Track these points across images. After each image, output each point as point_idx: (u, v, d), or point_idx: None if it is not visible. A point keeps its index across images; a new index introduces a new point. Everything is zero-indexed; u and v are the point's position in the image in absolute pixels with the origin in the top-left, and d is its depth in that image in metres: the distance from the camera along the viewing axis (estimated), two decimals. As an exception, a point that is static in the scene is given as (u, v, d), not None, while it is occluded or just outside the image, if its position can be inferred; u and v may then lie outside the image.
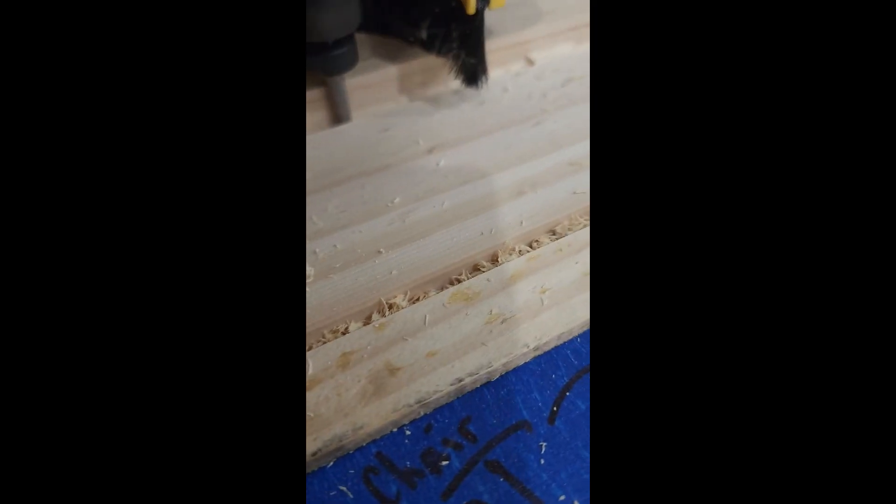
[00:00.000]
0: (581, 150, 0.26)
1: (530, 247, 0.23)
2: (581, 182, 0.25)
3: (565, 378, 0.19)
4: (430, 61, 0.29)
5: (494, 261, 0.22)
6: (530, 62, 0.32)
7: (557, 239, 0.23)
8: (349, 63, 0.25)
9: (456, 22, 0.26)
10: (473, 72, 0.27)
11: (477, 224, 0.23)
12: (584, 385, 0.19)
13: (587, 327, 0.20)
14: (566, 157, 0.26)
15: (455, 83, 0.29)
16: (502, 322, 0.19)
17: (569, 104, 0.29)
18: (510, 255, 0.22)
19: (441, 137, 0.27)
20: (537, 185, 0.24)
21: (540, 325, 0.19)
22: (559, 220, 0.23)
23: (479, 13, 0.25)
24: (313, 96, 0.27)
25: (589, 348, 0.20)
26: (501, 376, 0.19)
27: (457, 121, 0.28)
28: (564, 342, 0.20)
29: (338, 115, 0.28)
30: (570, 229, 0.23)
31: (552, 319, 0.20)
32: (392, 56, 0.29)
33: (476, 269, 0.22)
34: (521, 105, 0.29)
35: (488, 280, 0.21)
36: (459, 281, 0.21)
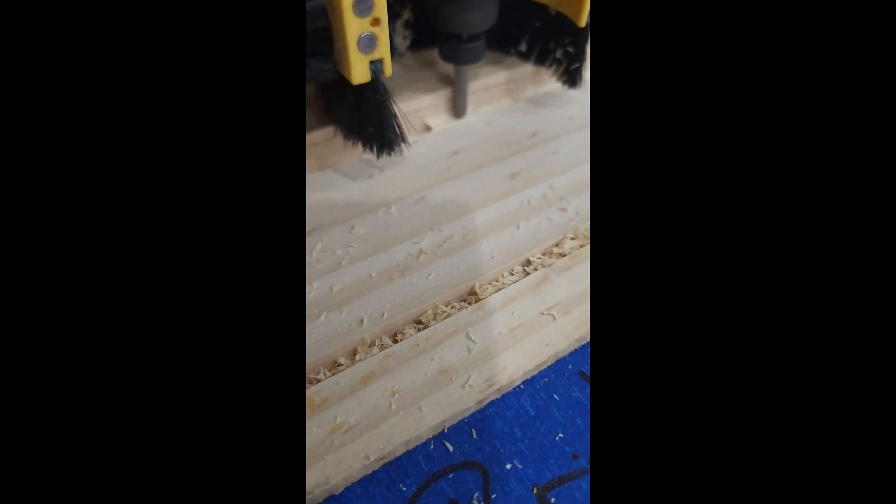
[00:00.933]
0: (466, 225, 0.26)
1: (394, 340, 0.22)
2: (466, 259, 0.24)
3: (413, 487, 0.19)
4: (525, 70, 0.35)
5: (352, 356, 0.22)
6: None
7: (422, 329, 0.22)
8: (478, 57, 0.30)
9: (562, 35, 0.31)
10: (576, 75, 0.33)
11: (346, 312, 0.22)
12: (434, 495, 0.19)
13: (439, 430, 0.20)
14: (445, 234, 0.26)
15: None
16: (345, 431, 0.19)
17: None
18: (370, 349, 0.22)
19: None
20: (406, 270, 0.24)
21: (386, 433, 0.19)
22: (425, 308, 0.23)
23: (587, 29, 0.30)
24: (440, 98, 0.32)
25: (442, 452, 0.19)
26: (345, 490, 0.19)
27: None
28: (414, 448, 0.20)
29: (458, 110, 0.33)
30: (434, 319, 0.23)
31: (399, 425, 0.19)
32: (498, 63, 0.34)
33: (335, 366, 0.21)
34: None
35: (338, 383, 0.20)
36: (316, 381, 0.21)
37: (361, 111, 0.26)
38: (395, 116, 0.27)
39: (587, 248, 0.25)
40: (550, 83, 0.36)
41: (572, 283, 0.24)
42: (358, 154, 0.30)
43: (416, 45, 0.34)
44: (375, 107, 0.26)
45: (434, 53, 0.32)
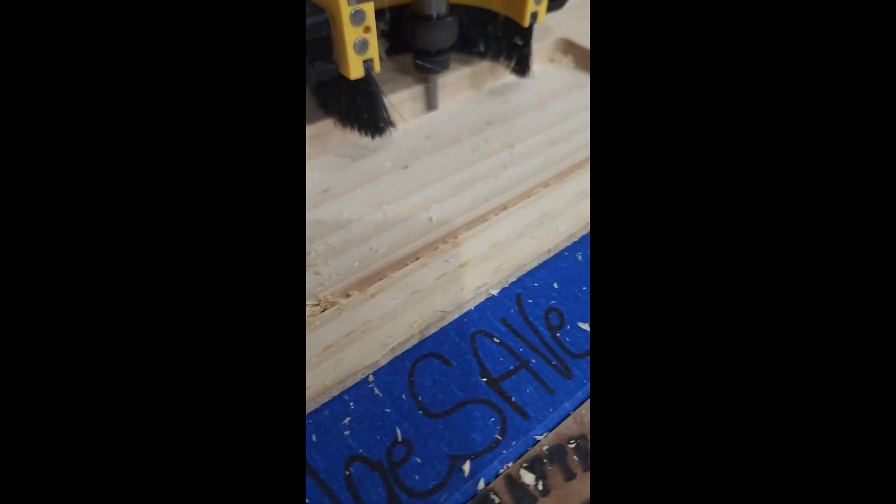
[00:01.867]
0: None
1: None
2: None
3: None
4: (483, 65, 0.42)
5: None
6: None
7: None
8: (445, 67, 0.37)
9: (511, 35, 0.38)
10: (525, 66, 0.40)
11: (355, 250, 0.29)
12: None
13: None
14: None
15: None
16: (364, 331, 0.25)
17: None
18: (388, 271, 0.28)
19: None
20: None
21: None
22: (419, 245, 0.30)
23: (532, 27, 0.37)
24: (415, 93, 0.39)
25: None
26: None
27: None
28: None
29: (430, 104, 0.41)
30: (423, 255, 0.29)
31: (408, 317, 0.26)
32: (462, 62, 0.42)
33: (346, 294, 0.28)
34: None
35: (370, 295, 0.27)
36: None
37: (357, 102, 0.33)
38: (384, 105, 0.33)
39: (528, 198, 0.33)
40: (505, 75, 0.43)
41: (514, 224, 0.31)
42: (353, 141, 0.37)
43: (391, 52, 0.41)
44: (368, 97, 0.32)
45: (407, 57, 0.39)
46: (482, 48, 0.41)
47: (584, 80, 0.44)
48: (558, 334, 0.26)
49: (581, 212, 0.31)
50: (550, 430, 0.23)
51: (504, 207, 0.32)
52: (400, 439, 0.22)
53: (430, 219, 0.31)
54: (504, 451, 0.22)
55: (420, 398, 0.24)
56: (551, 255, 0.30)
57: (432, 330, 0.26)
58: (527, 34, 0.38)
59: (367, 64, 0.30)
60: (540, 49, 0.44)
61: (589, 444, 0.23)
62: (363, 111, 0.33)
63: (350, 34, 0.28)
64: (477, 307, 0.27)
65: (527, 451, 0.22)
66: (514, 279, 0.29)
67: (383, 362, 0.25)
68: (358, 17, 0.28)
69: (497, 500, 0.21)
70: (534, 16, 0.36)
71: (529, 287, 0.28)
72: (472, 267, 0.28)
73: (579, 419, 0.23)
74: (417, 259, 0.29)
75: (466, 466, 0.22)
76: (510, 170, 0.34)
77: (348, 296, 0.27)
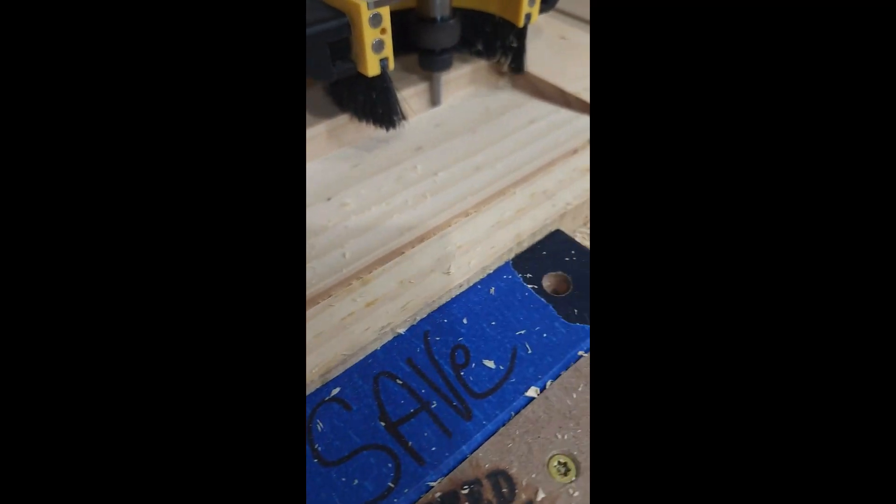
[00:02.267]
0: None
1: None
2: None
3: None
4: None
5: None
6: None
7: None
8: (448, 65, 0.40)
9: (506, 35, 0.41)
10: (520, 63, 0.42)
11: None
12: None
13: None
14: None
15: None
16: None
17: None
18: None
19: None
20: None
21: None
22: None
23: (525, 29, 0.40)
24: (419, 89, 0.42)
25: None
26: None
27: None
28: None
29: (433, 101, 0.43)
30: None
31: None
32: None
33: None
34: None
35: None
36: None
37: (372, 97, 0.36)
38: (398, 99, 0.36)
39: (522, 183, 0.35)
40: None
41: (426, 258, 0.31)
42: (367, 134, 0.39)
43: (397, 52, 0.42)
44: (383, 93, 0.36)
45: (412, 58, 0.41)
46: (480, 47, 0.43)
47: (521, 100, 0.44)
48: (462, 373, 0.26)
49: (495, 243, 0.31)
50: (445, 476, 0.23)
51: (421, 240, 0.32)
52: (291, 491, 0.22)
53: (344, 255, 0.30)
54: (395, 500, 0.22)
55: (317, 446, 0.24)
56: (462, 289, 0.30)
57: (335, 373, 0.26)
58: (521, 33, 0.41)
59: (383, 62, 0.33)
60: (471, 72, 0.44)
61: (486, 486, 0.22)
62: (379, 106, 0.36)
63: (369, 35, 0.31)
64: (382, 347, 0.27)
65: (419, 498, 0.22)
66: (424, 315, 0.28)
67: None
68: (376, 20, 0.31)
69: (384, 553, 0.21)
70: (528, 16, 0.38)
71: (438, 323, 0.28)
72: (380, 305, 0.28)
73: (475, 462, 0.23)
74: (330, 296, 0.29)
75: (356, 519, 0.21)
76: (430, 199, 0.34)
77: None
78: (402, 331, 0.28)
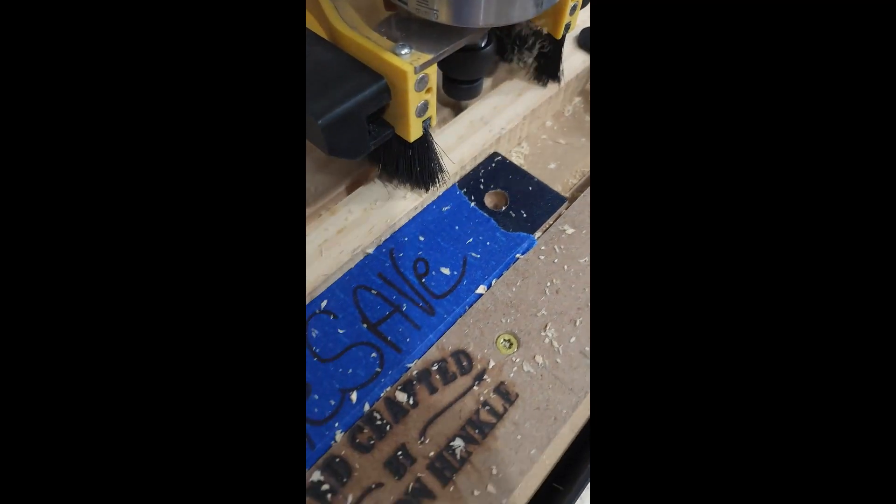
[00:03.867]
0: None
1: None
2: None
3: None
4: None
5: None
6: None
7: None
8: (478, 93, 0.38)
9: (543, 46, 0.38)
10: (555, 73, 0.40)
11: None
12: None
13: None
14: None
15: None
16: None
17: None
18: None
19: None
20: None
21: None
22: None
23: (563, 39, 0.37)
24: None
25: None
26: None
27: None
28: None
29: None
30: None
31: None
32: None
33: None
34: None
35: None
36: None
37: (412, 157, 0.32)
38: (437, 154, 0.33)
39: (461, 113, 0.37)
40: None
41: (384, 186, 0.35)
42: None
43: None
44: (425, 151, 0.32)
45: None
46: (515, 60, 0.40)
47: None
48: (424, 280, 0.32)
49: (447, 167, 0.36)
50: (419, 358, 0.30)
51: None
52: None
53: (314, 189, 0.35)
54: (383, 380, 0.29)
55: (314, 348, 0.29)
56: (418, 211, 0.35)
57: (320, 290, 0.31)
58: (559, 44, 0.38)
59: (426, 122, 0.29)
60: None
61: (451, 362, 0.29)
62: (416, 164, 0.32)
63: (414, 100, 0.27)
64: (357, 265, 0.33)
65: (401, 376, 0.29)
66: (388, 236, 0.34)
67: (281, 323, 0.30)
68: (422, 84, 0.27)
69: (379, 417, 0.28)
70: (566, 27, 0.36)
71: (400, 241, 0.34)
72: (349, 231, 0.33)
73: (440, 346, 0.30)
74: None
75: (354, 395, 0.28)
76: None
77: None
78: (370, 251, 0.33)
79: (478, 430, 0.27)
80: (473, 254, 0.33)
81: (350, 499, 0.25)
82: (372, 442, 0.27)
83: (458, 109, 0.42)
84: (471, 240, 0.34)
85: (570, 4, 0.34)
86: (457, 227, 0.34)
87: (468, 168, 0.37)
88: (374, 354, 0.29)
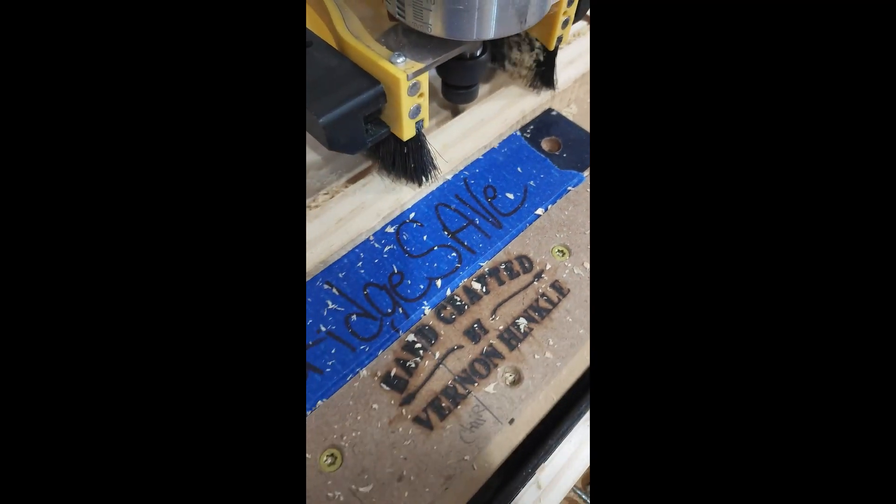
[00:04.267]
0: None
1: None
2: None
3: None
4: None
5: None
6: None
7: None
8: (474, 98, 0.42)
9: (538, 54, 0.41)
10: (550, 81, 0.43)
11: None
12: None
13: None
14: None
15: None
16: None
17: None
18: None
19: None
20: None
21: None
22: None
23: (556, 50, 0.40)
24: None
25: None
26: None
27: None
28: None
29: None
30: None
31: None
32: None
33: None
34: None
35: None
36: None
37: (404, 153, 0.36)
38: (431, 154, 0.37)
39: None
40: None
41: (460, 128, 0.42)
42: None
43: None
44: (418, 150, 0.36)
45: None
46: (511, 67, 0.44)
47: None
48: (492, 201, 0.39)
49: (507, 118, 0.43)
50: (489, 259, 0.37)
51: (456, 113, 0.43)
52: (395, 271, 0.35)
53: (399, 128, 0.42)
54: (461, 273, 0.36)
55: (405, 247, 0.37)
56: (487, 149, 0.42)
57: (409, 204, 0.39)
58: (552, 54, 0.41)
59: (419, 124, 0.33)
60: None
61: (515, 264, 0.36)
62: (410, 161, 0.36)
63: (407, 103, 0.31)
64: (438, 188, 0.40)
65: (475, 272, 0.36)
66: (462, 167, 0.41)
67: (379, 227, 0.37)
68: (414, 90, 0.30)
69: (458, 299, 0.35)
70: (559, 39, 0.39)
71: (473, 172, 0.41)
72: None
73: (506, 252, 0.37)
74: (392, 158, 0.41)
75: (439, 282, 0.35)
76: (454, 87, 0.45)
77: (349, 185, 0.39)
78: (449, 177, 0.40)
79: (537, 313, 0.34)
80: (532, 183, 0.40)
81: (437, 355, 0.33)
82: (453, 316, 0.34)
83: (457, 111, 0.45)
84: (531, 174, 0.41)
85: (562, 18, 0.37)
86: (518, 166, 0.41)
87: (528, 118, 0.44)
88: (453, 254, 0.36)
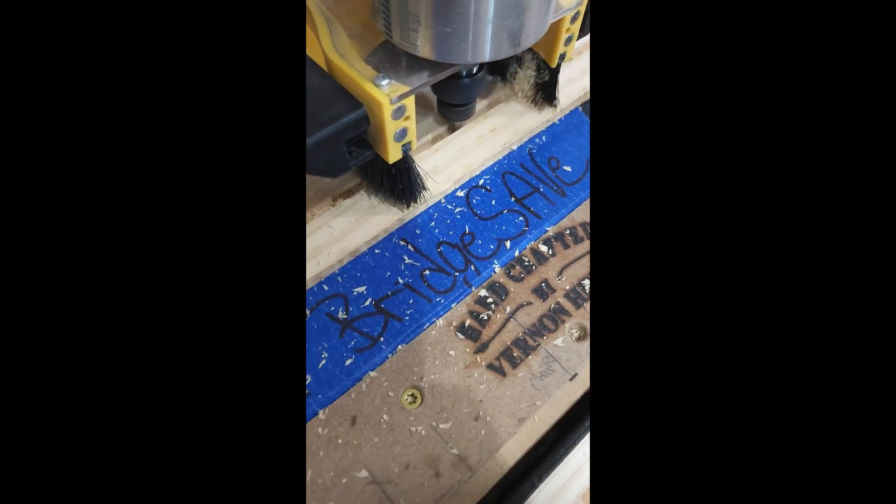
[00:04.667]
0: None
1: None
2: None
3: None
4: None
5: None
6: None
7: (462, 128, 0.42)
8: (470, 115, 0.40)
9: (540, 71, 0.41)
10: (552, 97, 0.42)
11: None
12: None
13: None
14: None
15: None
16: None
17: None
18: (439, 139, 0.42)
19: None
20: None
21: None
22: (462, 118, 0.43)
23: (558, 67, 0.39)
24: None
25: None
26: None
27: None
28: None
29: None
30: (468, 122, 0.43)
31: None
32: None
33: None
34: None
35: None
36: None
37: (392, 174, 0.34)
38: (418, 175, 0.35)
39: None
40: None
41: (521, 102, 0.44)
42: None
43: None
44: (405, 172, 0.34)
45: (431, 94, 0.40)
46: (512, 81, 0.43)
47: None
48: (556, 172, 0.41)
49: (570, 92, 0.45)
50: (554, 225, 0.39)
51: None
52: (467, 231, 0.38)
53: (466, 100, 0.44)
54: (528, 236, 0.38)
55: (475, 210, 0.39)
56: (550, 123, 0.44)
57: (478, 171, 0.41)
58: (554, 70, 0.40)
59: (406, 146, 0.31)
60: None
61: (579, 230, 0.38)
62: (398, 183, 0.35)
63: (391, 127, 0.29)
64: (505, 156, 0.42)
65: (541, 235, 0.38)
66: (527, 139, 0.43)
67: (450, 191, 0.39)
68: (399, 113, 0.28)
69: (526, 260, 0.37)
70: (562, 56, 0.38)
71: (537, 143, 0.43)
72: (499, 132, 0.42)
73: (570, 218, 0.39)
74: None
75: (508, 243, 0.37)
76: (517, 64, 0.47)
77: (420, 152, 0.41)
78: (515, 148, 0.42)
79: (601, 276, 0.36)
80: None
81: (508, 310, 0.35)
82: (522, 276, 0.36)
83: (454, 127, 0.43)
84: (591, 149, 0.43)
85: (565, 36, 0.35)
86: (580, 139, 0.43)
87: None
88: (520, 218, 0.38)
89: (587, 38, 0.48)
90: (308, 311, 0.34)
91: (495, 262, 0.36)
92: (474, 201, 0.39)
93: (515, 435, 0.31)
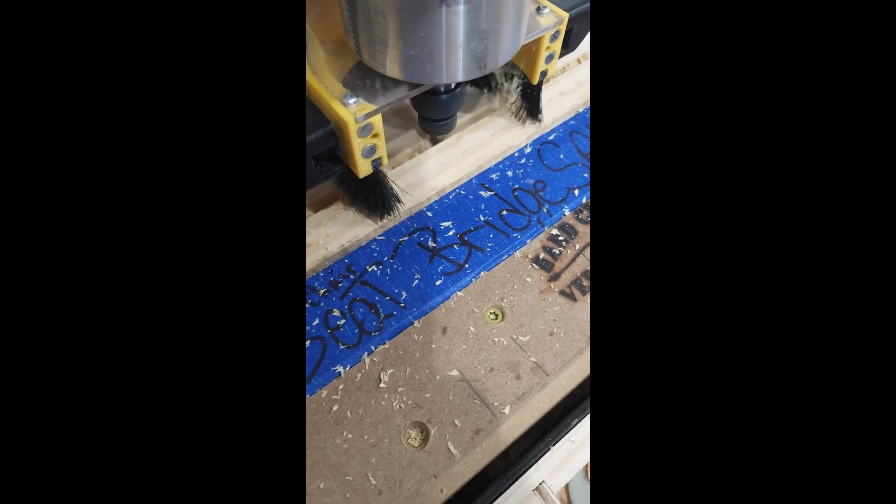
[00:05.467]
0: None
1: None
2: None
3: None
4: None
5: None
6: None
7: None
8: (451, 129, 0.40)
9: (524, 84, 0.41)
10: (536, 112, 0.43)
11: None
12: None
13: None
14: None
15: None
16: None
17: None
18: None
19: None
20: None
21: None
22: (532, 83, 0.47)
23: (540, 83, 0.40)
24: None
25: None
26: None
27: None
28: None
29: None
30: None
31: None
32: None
33: (496, 110, 0.46)
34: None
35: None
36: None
37: (367, 190, 0.35)
38: (391, 190, 0.36)
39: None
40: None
41: None
42: None
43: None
44: (376, 187, 0.35)
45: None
46: (496, 93, 0.44)
47: None
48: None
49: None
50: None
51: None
52: (539, 179, 0.42)
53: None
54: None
55: (545, 161, 0.43)
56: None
57: (548, 129, 0.45)
58: (537, 87, 0.41)
59: (376, 162, 0.32)
60: None
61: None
62: (371, 196, 0.36)
63: (358, 145, 0.29)
64: (573, 117, 0.46)
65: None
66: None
67: (521, 145, 0.44)
68: (366, 130, 0.29)
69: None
70: (543, 73, 0.38)
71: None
72: (565, 96, 0.46)
73: (632, 172, 0.43)
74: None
75: (576, 191, 0.41)
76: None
77: (474, 122, 0.45)
78: (580, 110, 0.46)
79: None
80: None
81: (577, 247, 0.39)
82: (590, 219, 0.40)
83: (436, 139, 0.44)
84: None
85: (545, 54, 0.36)
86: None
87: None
88: (587, 172, 0.43)
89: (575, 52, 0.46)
90: (403, 238, 0.38)
91: (565, 206, 0.41)
92: (544, 155, 0.44)
93: (587, 349, 0.35)
